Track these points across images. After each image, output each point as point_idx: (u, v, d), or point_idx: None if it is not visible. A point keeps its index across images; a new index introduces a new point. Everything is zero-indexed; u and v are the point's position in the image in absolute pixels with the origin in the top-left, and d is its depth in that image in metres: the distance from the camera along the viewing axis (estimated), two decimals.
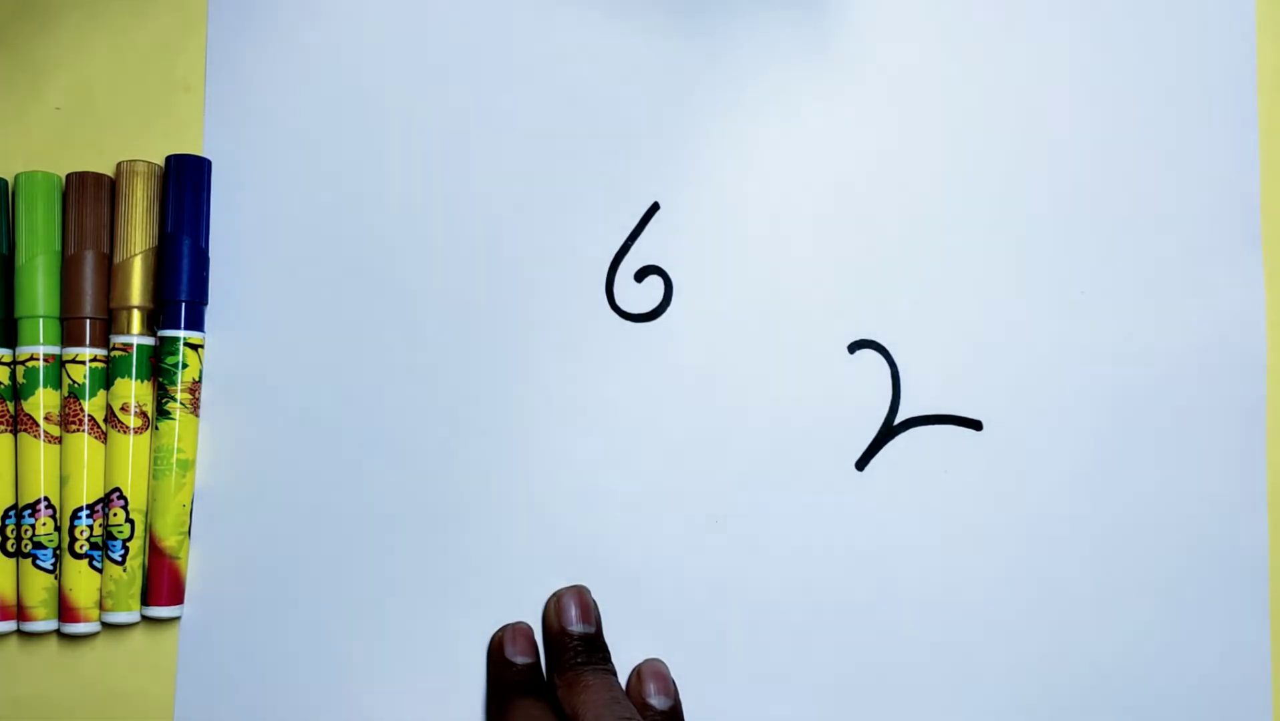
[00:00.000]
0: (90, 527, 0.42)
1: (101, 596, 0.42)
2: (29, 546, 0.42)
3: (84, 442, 0.42)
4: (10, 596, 0.42)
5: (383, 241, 0.44)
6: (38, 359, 0.42)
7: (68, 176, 0.43)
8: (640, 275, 0.44)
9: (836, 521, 0.43)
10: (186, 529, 0.43)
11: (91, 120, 0.45)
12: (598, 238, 0.44)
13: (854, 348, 0.44)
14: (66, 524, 0.42)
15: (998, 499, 0.43)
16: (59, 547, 0.42)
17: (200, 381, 0.43)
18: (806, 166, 0.44)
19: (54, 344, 0.43)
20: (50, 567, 0.42)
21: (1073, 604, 0.43)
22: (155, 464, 0.42)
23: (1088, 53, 0.45)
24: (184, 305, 0.42)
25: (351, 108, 0.44)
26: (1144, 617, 0.43)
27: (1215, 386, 0.44)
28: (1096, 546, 0.43)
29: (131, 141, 0.44)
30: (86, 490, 0.42)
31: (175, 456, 0.42)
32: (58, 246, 0.43)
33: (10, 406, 0.43)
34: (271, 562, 0.43)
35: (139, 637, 0.43)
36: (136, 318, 0.43)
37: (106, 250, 0.43)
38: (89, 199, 0.43)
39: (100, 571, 0.42)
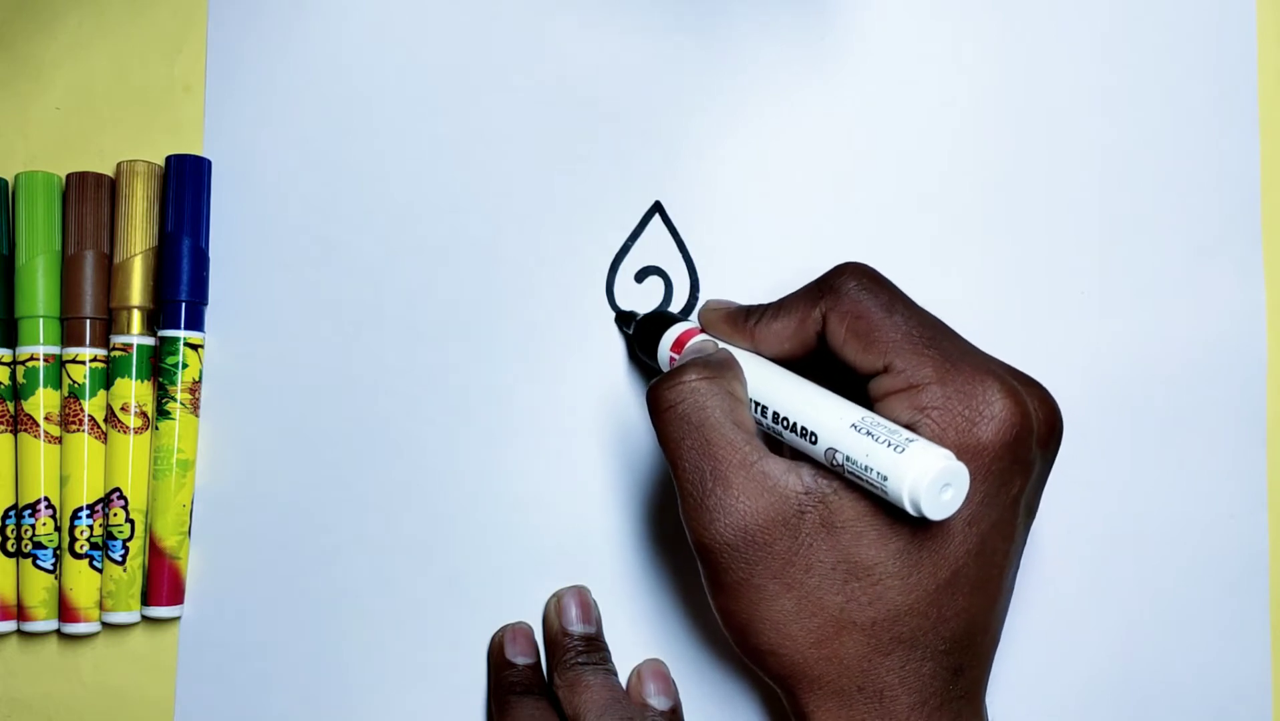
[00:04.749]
0: (90, 527, 0.42)
1: (101, 596, 0.42)
2: (29, 546, 0.42)
3: (84, 442, 0.42)
4: (10, 596, 0.42)
5: (383, 242, 0.44)
6: (38, 359, 0.42)
7: (68, 176, 0.43)
8: (640, 275, 0.44)
9: None
10: (186, 529, 0.43)
11: (91, 120, 0.45)
12: (598, 238, 0.44)
13: None
14: (66, 524, 0.42)
15: None
16: (59, 547, 0.42)
17: (200, 381, 0.43)
18: (807, 165, 0.44)
19: (54, 344, 0.43)
20: (50, 567, 0.42)
21: (1072, 603, 0.43)
22: (155, 464, 0.42)
23: (1088, 52, 0.45)
24: (184, 305, 0.42)
25: (351, 108, 0.44)
26: (1144, 617, 0.43)
27: (1215, 386, 0.44)
28: (1096, 546, 0.43)
29: (131, 141, 0.44)
30: (86, 490, 0.42)
31: (175, 456, 0.42)
32: (58, 246, 0.43)
33: (10, 406, 0.43)
34: (271, 562, 0.43)
35: (139, 637, 0.43)
36: (136, 318, 0.43)
37: (106, 250, 0.43)
38: (89, 199, 0.43)
39: (100, 571, 0.42)
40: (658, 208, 0.44)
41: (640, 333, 0.42)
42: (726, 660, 0.43)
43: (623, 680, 0.42)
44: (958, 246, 0.44)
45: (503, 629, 0.42)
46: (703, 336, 0.40)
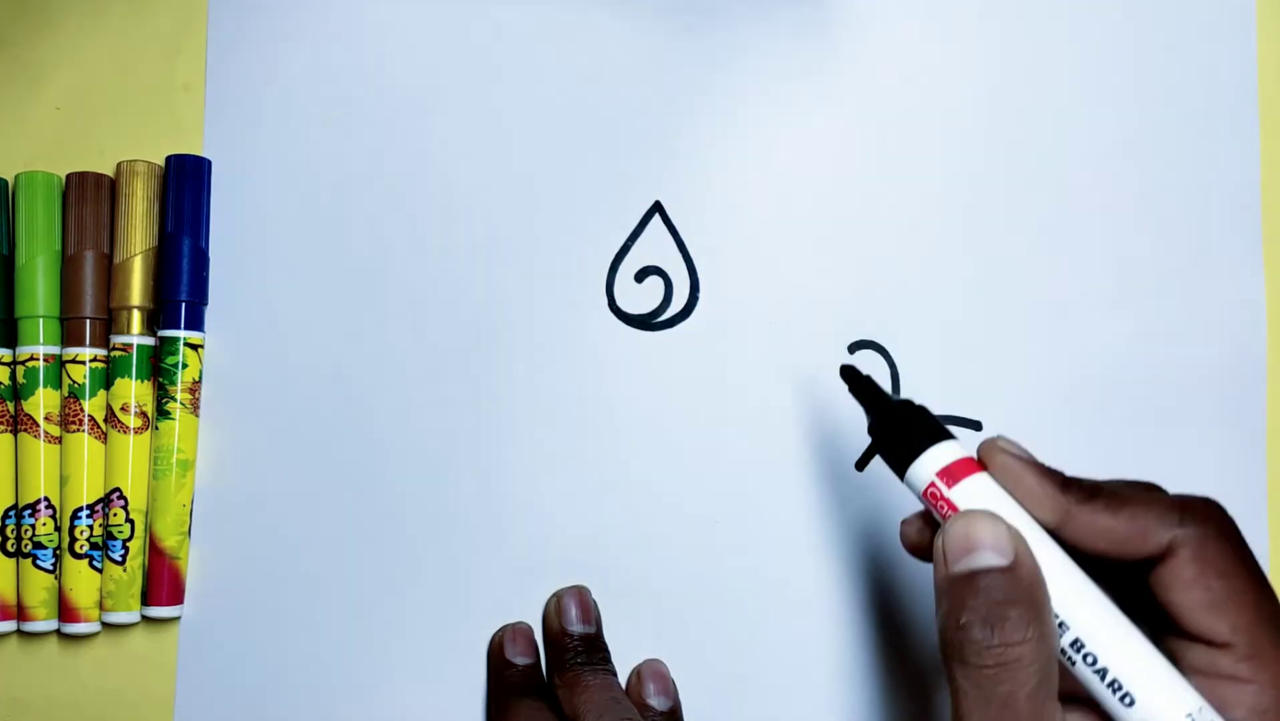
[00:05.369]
0: (90, 527, 0.42)
1: (101, 596, 0.42)
2: (29, 546, 0.42)
3: (84, 442, 0.42)
4: (10, 596, 0.42)
5: (383, 241, 0.44)
6: (38, 359, 0.42)
7: (68, 176, 0.43)
8: (640, 275, 0.44)
9: (836, 521, 0.43)
10: (186, 529, 0.43)
11: (91, 120, 0.45)
12: (598, 238, 0.44)
13: (854, 348, 0.44)
14: (66, 524, 0.42)
15: None
16: (59, 547, 0.42)
17: (200, 381, 0.43)
18: (807, 166, 0.44)
19: (54, 344, 0.43)
20: (50, 567, 0.42)
21: None
22: (155, 464, 0.42)
23: (1088, 53, 0.45)
24: (184, 305, 0.42)
25: (351, 108, 0.44)
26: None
27: (1215, 386, 0.44)
28: None
29: (131, 141, 0.44)
30: (86, 490, 0.42)
31: (175, 456, 0.42)
32: (58, 246, 0.43)
33: (10, 406, 0.43)
34: (271, 562, 0.43)
35: (139, 637, 0.43)
36: (136, 318, 0.43)
37: (106, 250, 0.43)
38: (89, 199, 0.43)
39: (100, 571, 0.42)
40: (658, 208, 0.44)
41: (886, 425, 0.34)
42: (726, 660, 0.43)
43: (623, 680, 0.42)
44: (958, 246, 0.44)
45: (503, 629, 0.42)
46: (978, 490, 0.32)
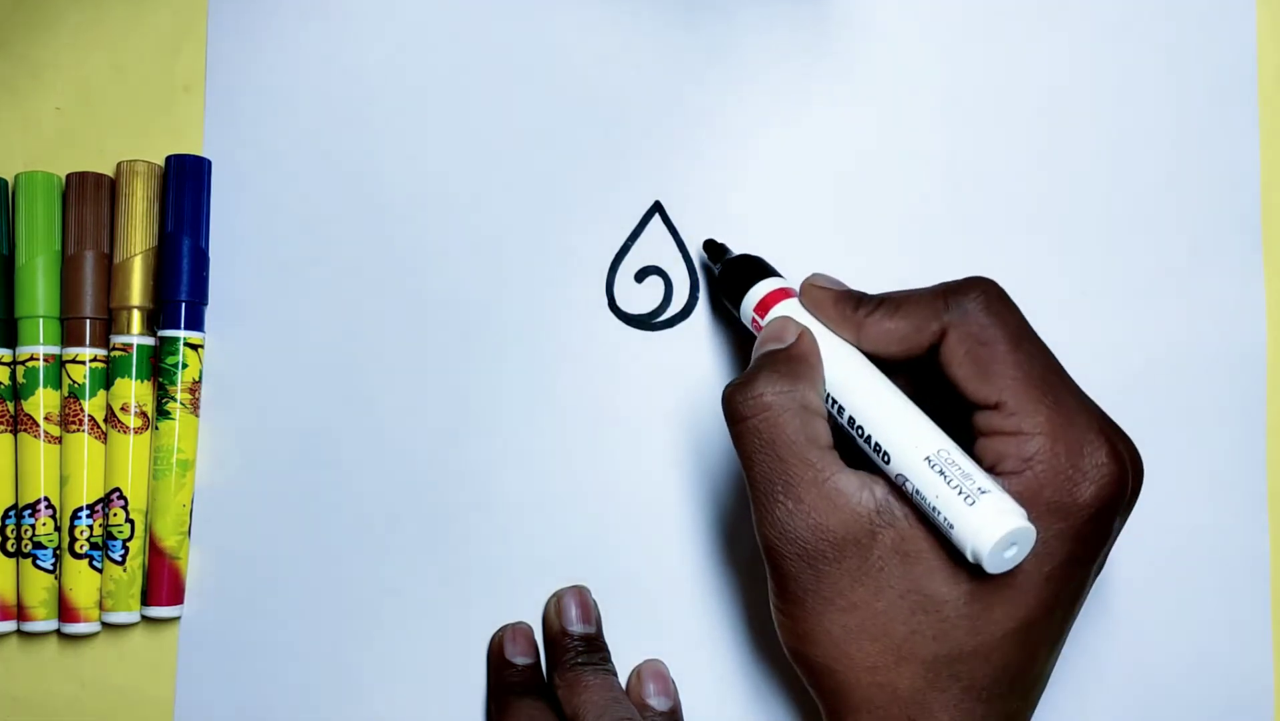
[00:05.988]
0: (90, 527, 0.42)
1: (101, 596, 0.42)
2: (29, 546, 0.42)
3: (84, 442, 0.42)
4: (10, 596, 0.42)
5: (383, 241, 0.44)
6: (38, 359, 0.42)
7: (68, 176, 0.43)
8: (640, 275, 0.44)
9: None
10: (186, 529, 0.43)
11: (91, 120, 0.45)
12: (598, 238, 0.44)
13: None
14: (66, 524, 0.42)
15: None
16: (59, 547, 0.42)
17: (200, 381, 0.43)
18: (807, 165, 0.44)
19: (54, 344, 0.43)
20: (50, 567, 0.42)
21: None
22: (155, 464, 0.42)
23: (1088, 53, 0.45)
24: (184, 305, 0.42)
25: (351, 107, 0.44)
26: (1144, 618, 0.43)
27: (1215, 387, 0.44)
28: None
29: (131, 141, 0.44)
30: (86, 490, 0.42)
31: (175, 456, 0.42)
32: (58, 246, 0.43)
33: (10, 406, 0.43)
34: (271, 562, 0.43)
35: (139, 637, 0.43)
36: (136, 318, 0.43)
37: (106, 250, 0.43)
38: (89, 199, 0.43)
39: (100, 571, 0.42)
40: (658, 208, 0.44)
41: (727, 275, 0.40)
42: (726, 660, 0.43)
43: (623, 680, 0.42)
44: (958, 246, 0.44)
45: (503, 629, 0.42)
46: (786, 310, 0.38)
